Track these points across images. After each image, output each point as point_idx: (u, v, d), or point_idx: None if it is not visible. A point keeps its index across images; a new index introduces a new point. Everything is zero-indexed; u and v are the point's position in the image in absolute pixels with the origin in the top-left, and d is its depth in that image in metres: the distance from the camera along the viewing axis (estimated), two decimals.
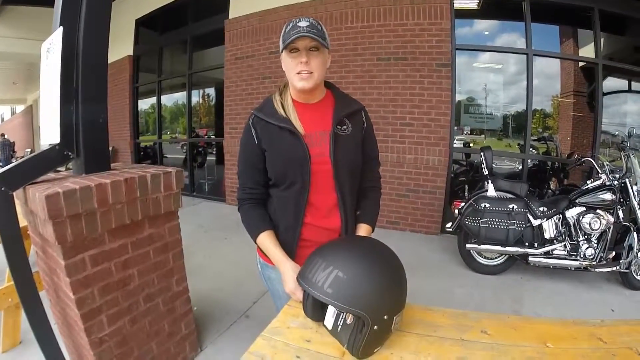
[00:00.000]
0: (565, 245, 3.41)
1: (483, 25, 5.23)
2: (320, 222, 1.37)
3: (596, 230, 3.29)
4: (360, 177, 1.45)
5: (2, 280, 2.52)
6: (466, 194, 5.19)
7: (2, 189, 1.62)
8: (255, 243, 1.40)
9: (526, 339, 1.05)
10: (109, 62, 2.15)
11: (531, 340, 1.05)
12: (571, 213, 3.42)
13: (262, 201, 1.42)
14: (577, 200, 3.42)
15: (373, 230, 1.46)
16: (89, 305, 1.75)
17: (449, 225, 3.84)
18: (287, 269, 1.28)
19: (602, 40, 4.78)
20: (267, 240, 1.35)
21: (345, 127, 1.35)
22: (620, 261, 3.28)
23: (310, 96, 1.34)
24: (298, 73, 1.24)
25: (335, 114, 1.34)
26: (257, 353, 1.00)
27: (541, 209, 3.46)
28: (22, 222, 1.83)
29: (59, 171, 2.17)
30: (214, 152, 8.10)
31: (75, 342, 1.97)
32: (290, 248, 1.36)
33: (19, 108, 26.31)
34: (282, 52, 1.26)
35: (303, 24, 1.20)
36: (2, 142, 16.78)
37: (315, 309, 1.12)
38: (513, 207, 3.48)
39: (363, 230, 1.43)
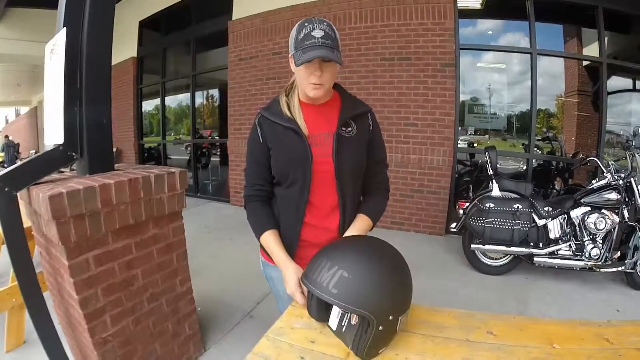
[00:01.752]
0: (570, 246, 3.38)
1: (487, 25, 5.21)
2: (319, 222, 1.37)
3: (601, 230, 3.27)
4: (367, 180, 1.45)
5: (7, 280, 2.53)
6: (471, 194, 5.17)
7: (6, 189, 1.63)
8: (259, 241, 1.41)
9: (532, 340, 1.04)
10: (113, 63, 2.16)
11: (537, 341, 1.04)
12: (576, 213, 3.40)
13: (268, 199, 1.44)
14: (582, 200, 3.40)
15: (373, 225, 1.43)
16: (92, 306, 1.76)
17: (453, 225, 3.82)
18: (289, 271, 1.28)
19: (606, 38, 4.74)
20: (269, 239, 1.35)
21: (350, 129, 1.35)
22: (626, 261, 3.25)
23: (318, 98, 1.34)
24: (311, 83, 1.24)
25: (340, 116, 1.34)
26: (261, 354, 1.00)
27: (546, 208, 3.44)
28: (26, 222, 1.83)
29: (63, 172, 2.18)
30: (218, 153, 8.10)
31: (79, 342, 1.97)
32: (290, 248, 1.36)
33: (24, 110, 26.43)
34: (292, 56, 1.23)
35: (318, 33, 1.16)
36: (7, 144, 16.85)
37: (319, 310, 1.12)
38: (518, 207, 3.46)
39: (359, 220, 1.39)
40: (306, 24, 1.19)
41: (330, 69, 1.24)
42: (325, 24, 1.19)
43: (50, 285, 2.12)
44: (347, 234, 1.35)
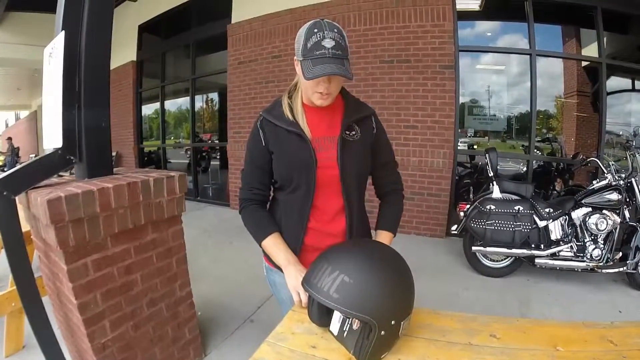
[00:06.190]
0: (571, 247, 3.37)
1: (486, 27, 5.23)
2: (324, 227, 1.35)
3: (603, 230, 3.26)
4: (379, 182, 1.47)
5: (6, 285, 2.52)
6: (471, 196, 5.16)
7: (5, 193, 1.62)
8: (260, 246, 1.38)
9: (536, 343, 1.03)
10: (113, 67, 2.16)
11: (541, 344, 1.03)
12: (577, 214, 3.39)
13: (265, 203, 1.42)
14: (583, 201, 3.39)
15: (394, 236, 1.45)
16: (91, 310, 1.74)
17: (454, 227, 3.81)
18: (296, 271, 1.25)
19: (605, 39, 4.75)
20: (276, 242, 1.33)
21: (354, 132, 1.34)
22: (627, 262, 3.24)
23: None
24: (318, 92, 1.21)
25: (344, 120, 1.32)
26: (261, 359, 0.98)
27: (547, 210, 3.43)
28: (25, 227, 1.82)
29: (63, 176, 2.17)
30: (218, 157, 8.10)
31: (78, 347, 1.96)
32: (292, 253, 1.34)
33: (23, 114, 26.44)
34: (299, 62, 1.19)
35: (328, 43, 1.11)
36: (8, 147, 16.90)
37: (320, 314, 1.10)
38: (519, 208, 3.45)
39: (382, 237, 1.41)
40: (316, 30, 1.13)
41: (338, 79, 1.21)
42: (335, 31, 1.14)
43: (49, 290, 2.11)
44: None
